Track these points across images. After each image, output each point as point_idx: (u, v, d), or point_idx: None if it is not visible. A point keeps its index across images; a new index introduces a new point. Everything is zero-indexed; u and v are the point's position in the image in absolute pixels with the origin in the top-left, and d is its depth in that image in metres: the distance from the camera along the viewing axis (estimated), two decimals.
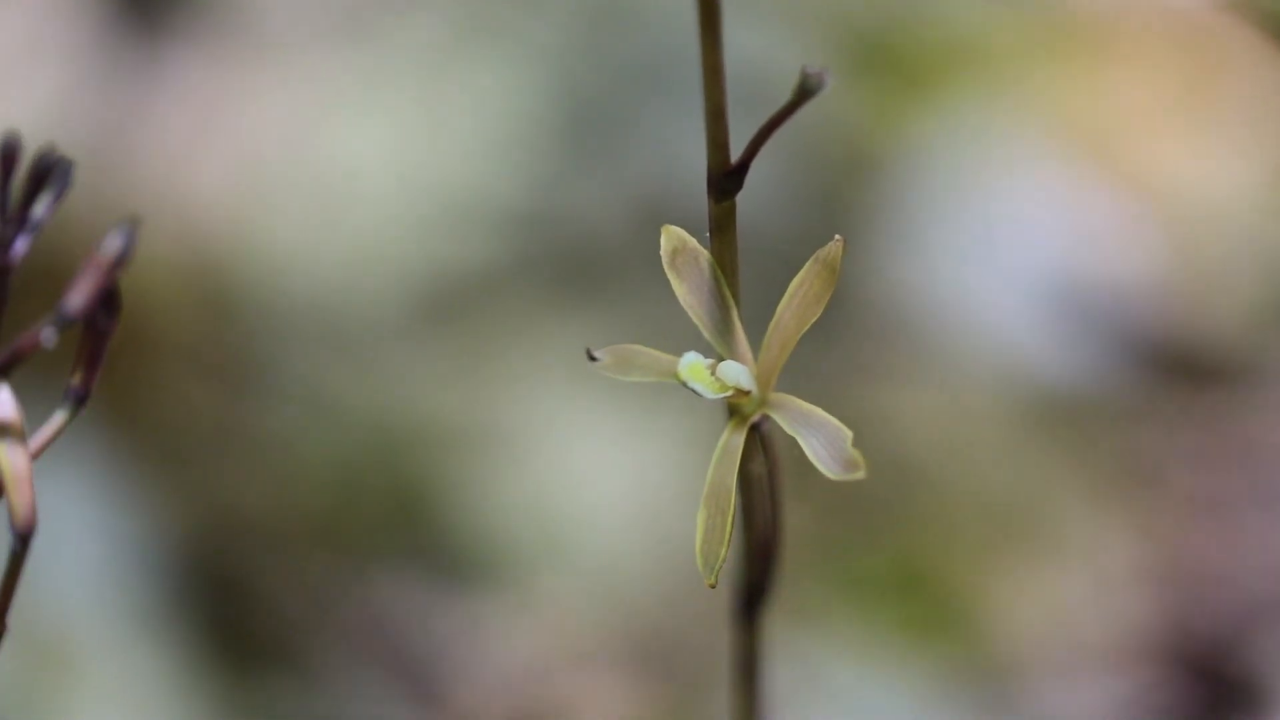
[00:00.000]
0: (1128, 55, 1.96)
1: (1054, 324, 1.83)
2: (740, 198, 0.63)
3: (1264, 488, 1.73)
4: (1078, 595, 1.67)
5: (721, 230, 0.63)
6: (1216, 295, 1.84)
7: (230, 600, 1.65)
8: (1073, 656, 1.64)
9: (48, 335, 0.58)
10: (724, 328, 0.64)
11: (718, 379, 0.63)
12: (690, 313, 0.64)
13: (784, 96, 0.59)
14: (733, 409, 0.65)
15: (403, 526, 1.70)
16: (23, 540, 0.63)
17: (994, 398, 1.78)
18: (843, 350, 1.79)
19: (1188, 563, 1.68)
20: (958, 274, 1.85)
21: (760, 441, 0.68)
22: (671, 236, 0.63)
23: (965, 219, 1.88)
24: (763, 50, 1.90)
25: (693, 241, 0.64)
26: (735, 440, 0.64)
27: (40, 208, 0.59)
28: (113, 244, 0.58)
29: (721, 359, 0.64)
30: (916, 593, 1.67)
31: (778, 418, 0.64)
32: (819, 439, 0.62)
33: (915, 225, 1.88)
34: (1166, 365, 1.81)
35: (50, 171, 0.59)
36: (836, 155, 1.92)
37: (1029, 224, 1.88)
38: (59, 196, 0.59)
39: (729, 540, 0.63)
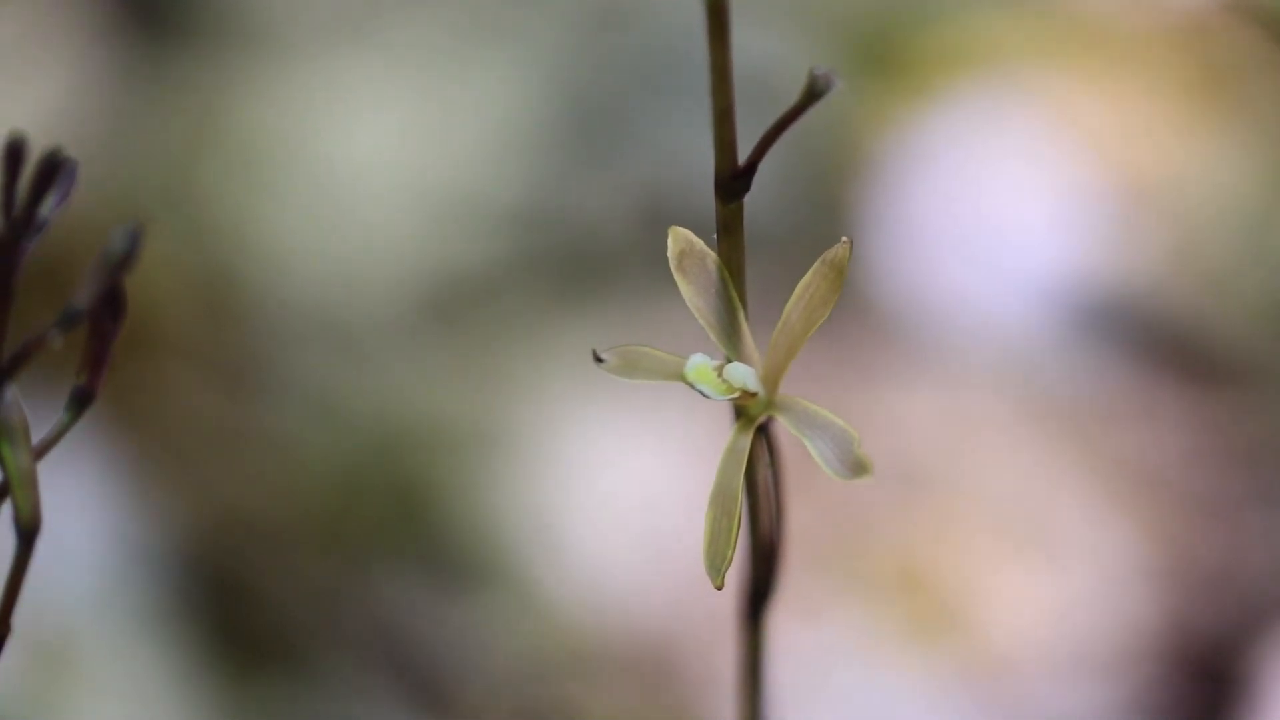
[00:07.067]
0: (1129, 55, 1.95)
1: (1055, 324, 1.83)
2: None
3: (1264, 488, 1.73)
4: (1078, 595, 1.66)
5: (729, 232, 0.63)
6: (1218, 295, 1.84)
7: (232, 601, 1.65)
8: (1073, 656, 1.64)
9: (53, 336, 0.58)
10: (730, 329, 0.63)
11: (724, 381, 0.63)
12: (696, 314, 0.64)
13: (789, 98, 0.59)
14: (739, 411, 0.65)
15: (405, 527, 1.70)
16: (27, 540, 0.63)
17: (995, 397, 1.78)
18: (844, 350, 1.79)
19: (1188, 563, 1.68)
20: (960, 274, 1.85)
21: (766, 443, 0.68)
22: (679, 238, 0.63)
23: (967, 219, 1.88)
24: (767, 51, 1.90)
25: (700, 243, 0.63)
26: (742, 442, 0.64)
27: (46, 208, 0.59)
28: (118, 245, 0.58)
29: (728, 360, 0.64)
30: (917, 593, 1.67)
31: (784, 420, 0.63)
32: (826, 441, 0.62)
33: (917, 225, 1.88)
34: (1167, 365, 1.81)
35: (56, 172, 0.58)
36: (840, 155, 1.92)
37: (1031, 224, 1.88)
38: (64, 197, 0.59)
39: (735, 542, 0.63)
